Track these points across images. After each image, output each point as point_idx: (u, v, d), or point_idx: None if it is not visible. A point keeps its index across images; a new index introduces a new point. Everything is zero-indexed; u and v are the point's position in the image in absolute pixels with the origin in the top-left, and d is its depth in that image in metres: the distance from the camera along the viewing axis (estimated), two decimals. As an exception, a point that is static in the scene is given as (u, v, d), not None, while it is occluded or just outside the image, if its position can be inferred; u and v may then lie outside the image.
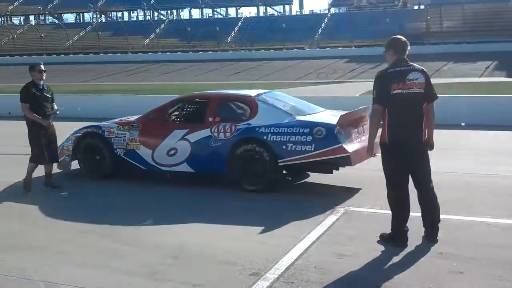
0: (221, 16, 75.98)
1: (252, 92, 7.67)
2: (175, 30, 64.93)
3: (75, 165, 7.90)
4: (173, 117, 7.78)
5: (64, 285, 3.97)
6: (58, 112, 7.21)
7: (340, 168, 6.75)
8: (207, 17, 73.99)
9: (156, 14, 76.70)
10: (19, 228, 5.52)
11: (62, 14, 77.51)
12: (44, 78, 7.05)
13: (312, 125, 6.64)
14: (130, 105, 17.61)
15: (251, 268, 4.21)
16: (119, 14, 77.34)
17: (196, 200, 6.51)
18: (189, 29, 60.97)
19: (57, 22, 72.60)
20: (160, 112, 7.74)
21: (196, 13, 78.03)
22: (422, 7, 59.77)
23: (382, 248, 4.60)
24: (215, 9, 77.02)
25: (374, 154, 4.89)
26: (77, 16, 77.92)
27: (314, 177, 7.39)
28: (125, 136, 7.56)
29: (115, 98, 20.39)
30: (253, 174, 6.78)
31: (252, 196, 6.52)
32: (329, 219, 5.48)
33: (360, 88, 21.74)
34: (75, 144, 7.86)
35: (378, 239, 4.76)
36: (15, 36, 63.54)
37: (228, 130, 6.95)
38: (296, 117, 6.94)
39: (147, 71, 49.08)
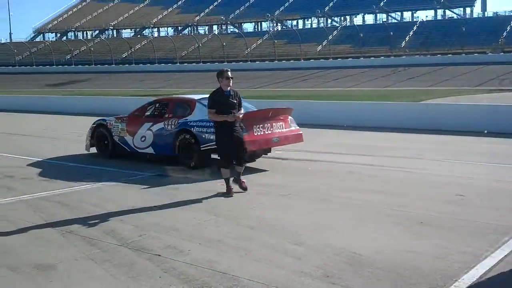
0: (395, 21, 74.05)
1: (198, 96, 9.98)
2: (348, 36, 64.97)
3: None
4: (147, 114, 10.36)
5: (248, 280, 4.19)
6: (241, 116, 7.34)
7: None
8: (381, 22, 72.63)
9: (329, 21, 77.50)
10: (198, 221, 5.98)
11: (242, 24, 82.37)
12: (230, 84, 7.17)
13: None
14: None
15: (427, 283, 4.04)
16: (294, 22, 79.67)
17: (363, 206, 6.45)
18: (361, 35, 60.48)
19: (237, 31, 77.26)
20: (141, 110, 10.59)
21: (369, 19, 77.18)
22: None
23: None
24: (389, 14, 75.31)
25: None
26: (256, 25, 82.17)
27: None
28: (118, 127, 10.41)
29: (282, 103, 21.01)
30: (187, 155, 9.13)
31: (428, 211, 6.27)
32: (516, 239, 5.04)
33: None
34: (92, 133, 10.91)
35: None
36: (200, 45, 69.09)
37: (173, 124, 9.49)
38: None
39: (318, 77, 49.81)
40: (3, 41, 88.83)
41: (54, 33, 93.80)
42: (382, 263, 4.49)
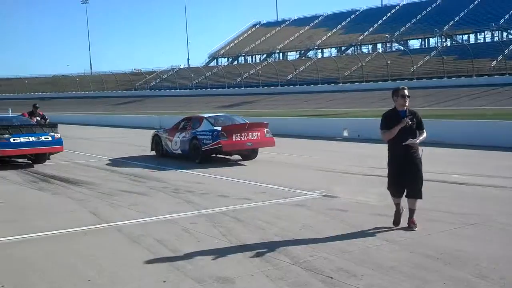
0: None
1: (207, 114, 15.28)
2: (527, 50, 59.32)
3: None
4: (180, 126, 14.92)
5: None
6: (416, 141, 6.39)
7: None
8: None
9: (505, 34, 71.66)
10: (369, 245, 5.85)
11: (408, 41, 79.90)
12: (406, 104, 6.41)
13: (213, 130, 13.38)
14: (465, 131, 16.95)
15: None
16: (465, 37, 75.09)
17: None
18: (544, 48, 54.79)
19: (402, 48, 75.15)
20: (178, 124, 15.22)
21: (554, 30, 69.62)
22: None
23: None
24: None
25: None
26: (422, 42, 79.14)
27: None
28: (164, 136, 15.25)
29: (450, 123, 19.92)
30: (196, 155, 13.68)
31: None
32: None
33: None
34: (152, 140, 15.85)
35: None
36: (363, 64, 68.51)
37: (189, 133, 14.07)
38: (214, 127, 13.56)
39: (492, 94, 46.18)
40: (182, 67, 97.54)
41: (226, 58, 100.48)
42: None
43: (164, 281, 4.85)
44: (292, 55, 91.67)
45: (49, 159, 14.70)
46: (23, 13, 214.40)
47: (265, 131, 13.80)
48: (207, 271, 5.09)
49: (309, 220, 7.10)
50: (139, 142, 19.81)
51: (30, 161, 14.44)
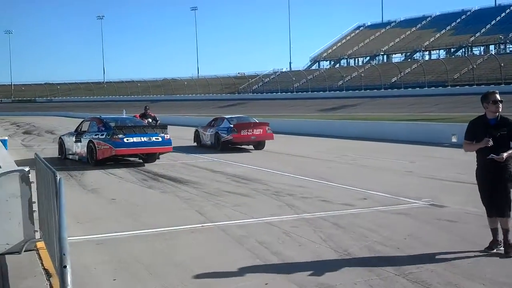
0: None
1: (228, 116, 20.52)
2: None
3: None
4: (211, 124, 20.13)
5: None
6: (503, 156, 5.54)
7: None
8: None
9: None
10: (478, 259, 5.53)
11: (525, 42, 74.56)
12: (499, 110, 5.69)
13: (228, 127, 18.78)
14: None
15: None
16: None
17: None
18: None
19: (518, 50, 70.21)
20: (210, 122, 20.51)
21: None
22: None
23: None
24: None
25: None
26: (541, 43, 73.43)
27: None
28: (201, 131, 20.66)
29: None
30: (217, 145, 19.01)
31: None
32: None
33: None
34: (194, 134, 21.28)
35: None
36: (474, 66, 64.86)
37: (214, 129, 19.49)
38: (230, 124, 18.77)
39: None
40: (284, 70, 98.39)
41: (328, 61, 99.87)
42: None
43: (266, 284, 4.91)
44: (397, 58, 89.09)
45: (158, 158, 15.47)
46: (136, 20, 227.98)
47: (266, 128, 18.93)
48: (309, 276, 5.08)
49: (414, 230, 6.86)
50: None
51: (141, 160, 15.29)
